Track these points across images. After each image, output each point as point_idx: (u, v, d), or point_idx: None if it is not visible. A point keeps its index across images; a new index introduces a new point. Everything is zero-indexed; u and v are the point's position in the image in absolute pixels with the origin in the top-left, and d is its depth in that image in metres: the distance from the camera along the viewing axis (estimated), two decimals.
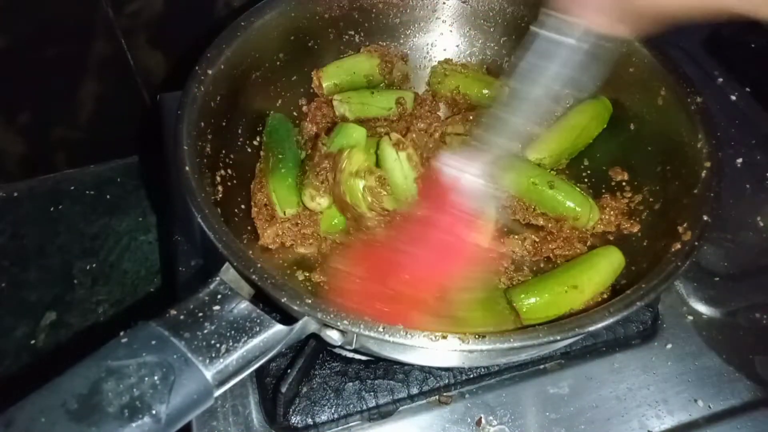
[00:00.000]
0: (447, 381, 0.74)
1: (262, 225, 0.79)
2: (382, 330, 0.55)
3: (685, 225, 0.68)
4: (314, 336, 0.61)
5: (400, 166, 0.78)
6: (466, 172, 0.65)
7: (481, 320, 0.68)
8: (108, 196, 1.25)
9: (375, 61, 0.93)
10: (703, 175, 0.71)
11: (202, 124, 0.73)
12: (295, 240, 0.79)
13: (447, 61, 0.98)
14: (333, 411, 0.71)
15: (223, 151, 0.78)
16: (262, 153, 0.84)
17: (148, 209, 1.24)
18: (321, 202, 0.79)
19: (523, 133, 0.66)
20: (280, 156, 0.82)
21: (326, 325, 0.57)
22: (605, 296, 0.74)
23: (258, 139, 0.86)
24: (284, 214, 0.79)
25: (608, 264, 0.75)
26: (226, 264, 0.60)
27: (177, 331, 0.54)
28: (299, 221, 0.80)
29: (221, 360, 0.53)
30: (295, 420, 0.70)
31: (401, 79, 0.97)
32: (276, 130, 0.85)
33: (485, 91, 0.93)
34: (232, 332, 0.55)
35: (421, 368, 0.74)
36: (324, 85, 0.91)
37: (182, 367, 0.52)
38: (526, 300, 0.72)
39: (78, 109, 1.16)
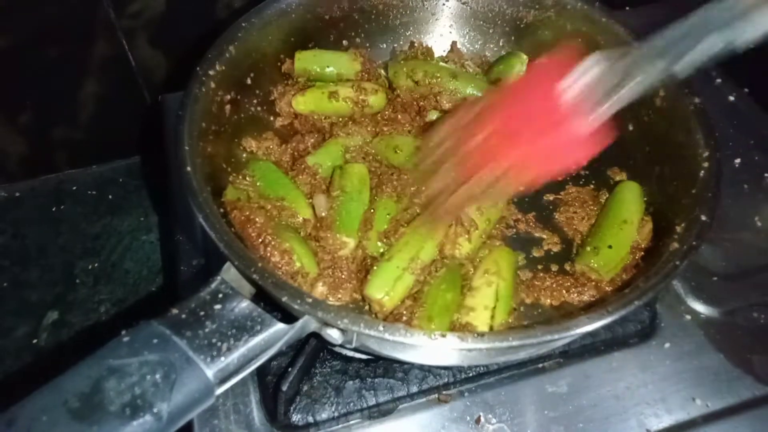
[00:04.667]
0: (446, 379, 0.75)
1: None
2: (381, 329, 0.56)
3: (683, 225, 0.68)
4: (315, 335, 0.62)
5: None
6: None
7: None
8: (110, 196, 1.25)
9: (356, 66, 0.91)
10: (702, 175, 0.71)
11: (203, 124, 0.73)
12: None
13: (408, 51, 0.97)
14: (333, 409, 0.72)
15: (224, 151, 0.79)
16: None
17: (149, 209, 1.24)
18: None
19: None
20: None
21: (326, 324, 0.58)
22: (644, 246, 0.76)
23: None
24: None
25: (632, 193, 0.80)
26: (228, 263, 0.61)
27: (178, 329, 0.54)
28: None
29: (222, 358, 0.54)
30: (296, 418, 0.71)
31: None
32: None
33: (453, 82, 0.89)
34: (233, 331, 0.55)
35: (421, 367, 0.75)
36: (296, 66, 0.89)
37: (184, 366, 0.52)
38: (599, 256, 0.73)
39: (79, 109, 1.16)
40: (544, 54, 0.92)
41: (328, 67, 0.90)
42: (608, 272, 0.73)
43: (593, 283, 0.73)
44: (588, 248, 0.75)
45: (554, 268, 0.77)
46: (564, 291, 0.74)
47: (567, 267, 0.77)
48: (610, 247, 0.73)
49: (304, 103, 0.88)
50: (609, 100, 0.60)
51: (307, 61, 0.89)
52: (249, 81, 0.84)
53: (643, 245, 0.75)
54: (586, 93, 0.60)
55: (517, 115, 0.64)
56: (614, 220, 0.76)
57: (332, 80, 0.91)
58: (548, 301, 0.74)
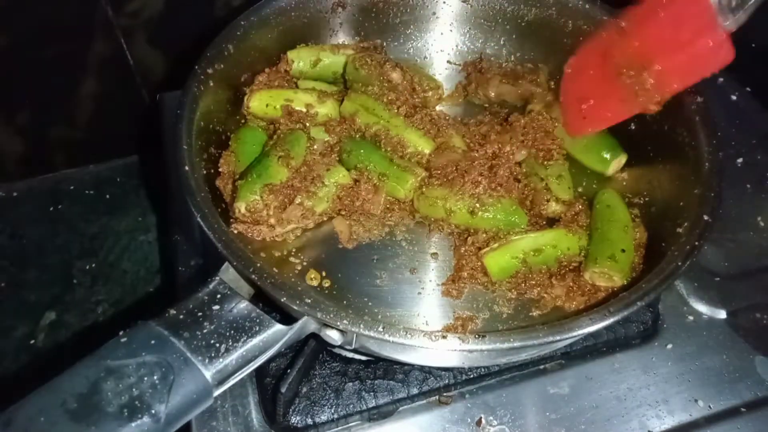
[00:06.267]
0: (447, 381, 0.74)
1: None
2: (381, 330, 0.55)
3: (685, 225, 0.68)
4: (314, 336, 0.61)
5: None
6: None
7: None
8: (107, 196, 1.25)
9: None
10: (704, 174, 0.71)
11: (202, 123, 0.73)
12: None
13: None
14: (333, 411, 0.71)
15: (223, 151, 0.78)
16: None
17: (147, 209, 1.24)
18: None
19: None
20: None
21: (326, 325, 0.57)
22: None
23: None
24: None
25: (616, 198, 0.80)
26: (226, 263, 0.61)
27: (176, 330, 0.54)
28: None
29: (221, 359, 0.53)
30: (295, 420, 0.70)
31: None
32: None
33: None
34: (232, 332, 0.55)
35: (421, 368, 0.74)
36: (292, 68, 0.87)
37: (182, 367, 0.52)
38: (617, 262, 0.72)
39: (77, 108, 1.15)
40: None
41: (321, 64, 0.88)
42: (624, 276, 0.72)
43: (602, 292, 0.73)
44: (600, 256, 0.73)
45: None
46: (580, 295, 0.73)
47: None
48: (623, 251, 0.73)
49: (258, 100, 0.84)
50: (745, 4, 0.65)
51: (299, 56, 0.88)
52: (248, 79, 0.84)
53: (641, 242, 0.76)
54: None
55: (666, 25, 0.70)
56: (617, 224, 0.76)
57: (327, 79, 0.90)
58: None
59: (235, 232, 0.72)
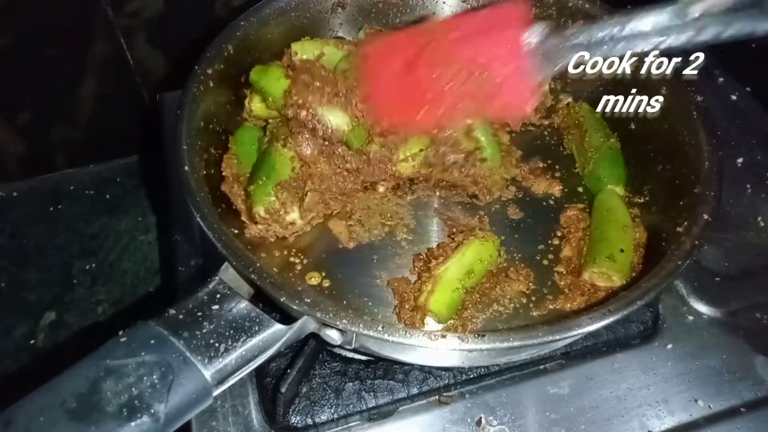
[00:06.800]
0: (447, 381, 0.74)
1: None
2: (381, 329, 0.55)
3: (685, 224, 0.68)
4: (314, 336, 0.61)
5: None
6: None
7: None
8: (107, 196, 1.25)
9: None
10: (704, 174, 0.71)
11: (202, 123, 0.73)
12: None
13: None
14: (333, 411, 0.71)
15: (223, 152, 0.78)
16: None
17: (147, 209, 1.24)
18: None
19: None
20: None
21: (325, 325, 0.57)
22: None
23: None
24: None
25: (618, 198, 0.79)
26: (226, 263, 0.61)
27: (176, 330, 0.54)
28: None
29: (220, 359, 0.53)
30: (295, 420, 0.70)
31: None
32: None
33: None
34: (231, 331, 0.55)
35: (421, 368, 0.74)
36: (297, 56, 0.85)
37: (181, 367, 0.52)
38: (615, 262, 0.72)
39: (78, 108, 1.15)
40: None
41: (323, 58, 0.88)
42: (623, 276, 0.72)
43: (602, 292, 0.73)
44: (598, 256, 0.73)
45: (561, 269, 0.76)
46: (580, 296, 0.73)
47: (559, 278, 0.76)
48: (622, 251, 0.73)
49: (260, 101, 0.83)
50: (557, 63, 0.61)
51: (305, 50, 0.87)
52: (248, 80, 0.84)
53: (641, 242, 0.76)
54: (545, 49, 0.61)
55: (480, 54, 0.64)
56: (617, 224, 0.76)
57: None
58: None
59: (247, 235, 0.73)
